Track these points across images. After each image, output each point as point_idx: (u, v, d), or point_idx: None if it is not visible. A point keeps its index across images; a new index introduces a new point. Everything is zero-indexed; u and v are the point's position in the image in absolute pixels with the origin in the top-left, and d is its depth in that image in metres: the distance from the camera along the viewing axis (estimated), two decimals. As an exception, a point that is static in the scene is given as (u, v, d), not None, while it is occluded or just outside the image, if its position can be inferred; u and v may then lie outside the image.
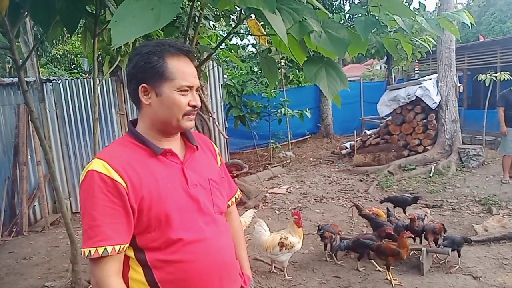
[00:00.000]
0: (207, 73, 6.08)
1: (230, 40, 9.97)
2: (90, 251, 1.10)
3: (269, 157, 9.84)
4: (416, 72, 13.74)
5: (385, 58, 12.04)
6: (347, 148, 9.60)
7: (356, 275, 3.60)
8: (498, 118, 6.30)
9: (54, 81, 6.03)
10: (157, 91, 1.18)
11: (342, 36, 1.93)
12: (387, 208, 4.42)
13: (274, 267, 3.75)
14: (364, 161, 8.21)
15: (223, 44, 9.48)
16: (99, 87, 6.24)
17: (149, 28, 1.22)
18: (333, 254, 3.93)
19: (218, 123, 6.80)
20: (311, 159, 9.87)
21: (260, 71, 9.69)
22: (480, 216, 4.92)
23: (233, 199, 1.53)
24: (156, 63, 1.17)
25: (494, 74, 7.74)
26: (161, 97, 1.18)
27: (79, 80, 6.41)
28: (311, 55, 2.16)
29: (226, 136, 6.86)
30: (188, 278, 1.18)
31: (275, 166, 8.82)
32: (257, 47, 10.28)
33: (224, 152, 7.15)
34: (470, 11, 25.81)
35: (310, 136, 12.67)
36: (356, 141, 9.12)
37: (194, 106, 1.22)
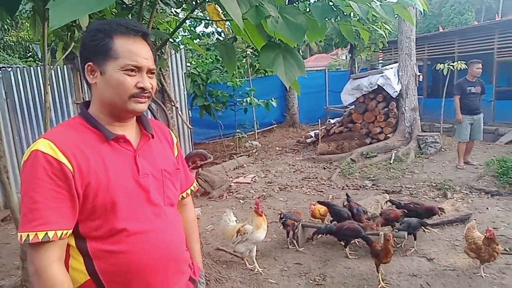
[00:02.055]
0: (169, 60, 5.91)
1: (195, 28, 9.79)
2: (28, 235, 1.03)
3: (235, 147, 9.80)
4: (380, 61, 14.05)
5: (349, 47, 12.21)
6: (312, 137, 9.71)
7: (316, 261, 3.65)
8: (454, 106, 6.55)
9: (4, 68, 5.68)
10: (101, 69, 1.13)
11: (299, 22, 1.90)
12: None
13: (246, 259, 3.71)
14: (328, 149, 8.33)
15: (187, 32, 9.26)
16: (53, 75, 5.97)
17: (91, 9, 1.14)
18: (294, 241, 3.97)
19: (182, 112, 6.66)
20: (277, 148, 9.92)
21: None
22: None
23: (189, 191, 1.49)
24: (101, 40, 1.12)
25: (452, 64, 8.02)
26: (105, 75, 1.13)
27: (31, 67, 6.08)
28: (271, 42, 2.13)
29: (189, 126, 6.75)
30: (130, 270, 1.14)
31: (240, 156, 8.79)
32: (222, 36, 10.15)
33: (188, 142, 7.02)
34: (431, 2, 26.64)
35: (276, 125, 12.73)
36: (321, 130, 9.23)
37: (142, 88, 1.15)
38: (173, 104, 6.46)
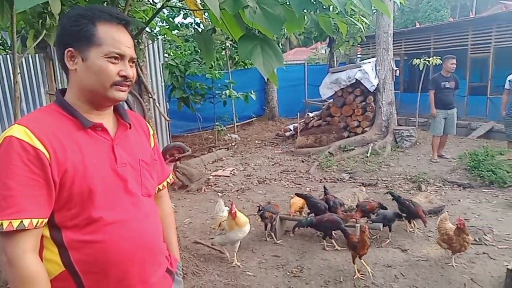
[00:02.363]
0: (146, 51, 5.79)
1: (173, 18, 9.62)
2: (2, 223, 0.99)
3: (214, 140, 9.74)
4: (358, 56, 14.21)
5: (328, 41, 12.29)
6: (291, 130, 9.75)
7: (294, 253, 3.68)
8: (429, 100, 6.69)
9: (-29, 56, 5.44)
10: (83, 55, 1.11)
11: (277, 13, 1.89)
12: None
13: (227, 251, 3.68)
14: (307, 143, 8.39)
15: (165, 22, 9.09)
16: (24, 64, 5.75)
17: (58, -10, 1.10)
18: (272, 234, 3.98)
19: (159, 104, 6.54)
20: (256, 141, 9.92)
21: (204, 52, 9.42)
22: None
23: (165, 183, 1.48)
24: (84, 26, 1.11)
25: (427, 59, 8.18)
26: (87, 62, 1.11)
27: (0, 56, 5.84)
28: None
29: (167, 118, 6.62)
30: (106, 260, 1.12)
31: (220, 149, 8.75)
32: (202, 27, 10.00)
33: (166, 135, 6.93)
34: (409, -1, 27.08)
35: (255, 118, 12.73)
36: (300, 123, 9.28)
37: (125, 77, 1.15)
38: (150, 96, 6.32)
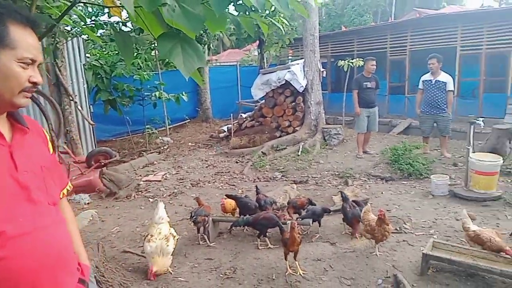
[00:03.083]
0: (64, 51, 5.40)
1: (97, 16, 9.10)
2: None
3: (145, 144, 9.41)
4: (289, 57, 14.61)
5: (258, 43, 12.49)
6: (224, 131, 9.74)
7: (227, 254, 3.65)
8: (353, 100, 7.06)
9: None
10: None
11: (197, 11, 1.85)
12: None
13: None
14: (240, 144, 8.43)
15: (89, 21, 8.57)
16: None
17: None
18: (205, 236, 3.92)
19: (82, 107, 6.16)
20: (190, 143, 9.76)
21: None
22: (338, 188, 5.46)
23: (65, 191, 1.40)
24: None
25: (351, 61, 8.64)
26: None
27: None
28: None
29: (91, 122, 6.27)
30: (13, 277, 1.01)
31: (151, 153, 8.46)
32: (130, 26, 9.57)
33: (91, 140, 6.53)
34: (335, 3, 28.45)
35: (189, 120, 12.53)
36: (233, 124, 9.30)
37: (34, 83, 1.07)
38: (71, 98, 5.95)
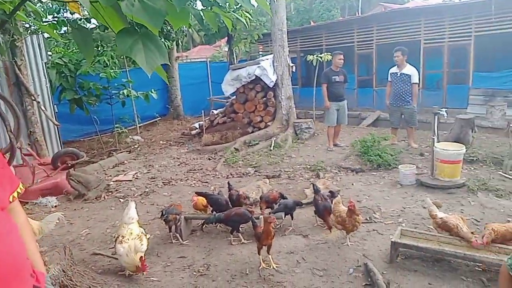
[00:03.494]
0: (23, 49, 5.17)
1: (58, 12, 8.77)
2: None
3: (115, 143, 9.18)
4: (260, 53, 14.61)
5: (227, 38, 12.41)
6: (196, 128, 9.64)
7: (200, 252, 3.62)
8: (322, 94, 7.14)
9: None
10: None
11: (158, 6, 1.80)
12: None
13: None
14: (213, 140, 8.37)
15: (52, 17, 8.25)
16: None
17: None
18: (178, 235, 3.87)
19: (45, 108, 5.93)
20: (161, 142, 9.61)
21: (96, 48, 8.80)
22: (310, 181, 5.50)
23: (15, 194, 1.33)
24: None
25: (320, 55, 8.73)
26: None
27: None
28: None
29: (55, 122, 6.05)
30: None
31: (121, 152, 8.27)
32: (97, 23, 9.29)
33: (56, 141, 6.31)
34: (303, -1, 28.67)
35: (160, 118, 12.33)
36: (205, 121, 9.22)
37: None
38: (33, 98, 5.72)
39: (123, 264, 3.08)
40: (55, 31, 6.31)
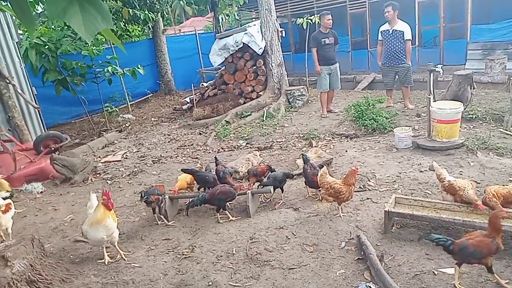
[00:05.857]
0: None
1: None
2: None
3: (106, 123, 8.93)
4: (253, 19, 14.00)
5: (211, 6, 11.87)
6: (188, 102, 9.35)
7: (186, 233, 3.46)
8: (313, 58, 6.80)
9: None
10: None
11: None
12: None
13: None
14: (204, 114, 8.11)
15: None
16: None
17: None
18: (163, 216, 3.70)
19: (23, 91, 5.65)
20: (153, 119, 9.35)
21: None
22: (303, 151, 5.30)
23: None
24: None
25: (309, 18, 8.27)
26: None
27: None
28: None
29: (35, 105, 5.80)
30: None
31: (110, 132, 8.04)
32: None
33: (38, 125, 6.07)
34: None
35: (151, 94, 12.00)
36: (196, 94, 8.92)
37: None
38: (8, 81, 5.43)
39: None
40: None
